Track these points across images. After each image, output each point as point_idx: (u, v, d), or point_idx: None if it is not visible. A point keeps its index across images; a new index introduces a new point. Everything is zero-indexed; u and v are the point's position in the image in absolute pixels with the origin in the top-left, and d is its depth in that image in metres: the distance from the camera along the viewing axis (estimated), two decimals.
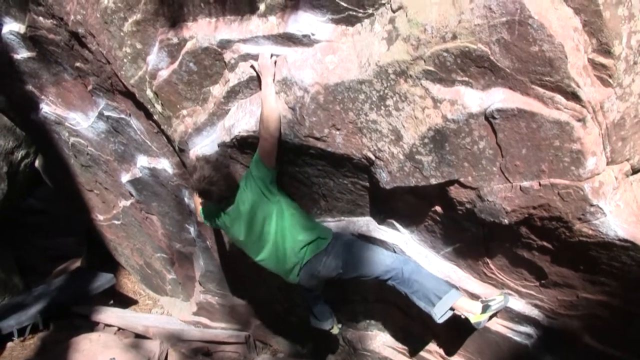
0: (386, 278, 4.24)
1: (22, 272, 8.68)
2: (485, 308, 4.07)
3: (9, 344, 6.35)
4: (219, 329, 7.32)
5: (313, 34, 3.64)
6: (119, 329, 6.97)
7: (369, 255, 4.25)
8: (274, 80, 3.83)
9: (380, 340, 5.69)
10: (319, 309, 5.10)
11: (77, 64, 5.16)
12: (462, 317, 4.18)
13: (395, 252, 4.35)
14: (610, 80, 2.89)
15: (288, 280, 4.52)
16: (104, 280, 7.82)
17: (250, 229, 4.24)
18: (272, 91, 3.82)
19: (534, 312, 4.07)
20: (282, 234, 4.19)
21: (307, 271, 4.37)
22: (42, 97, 6.03)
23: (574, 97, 2.88)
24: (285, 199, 4.20)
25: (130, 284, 8.97)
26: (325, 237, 4.28)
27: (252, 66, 3.99)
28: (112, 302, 8.01)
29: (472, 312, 4.12)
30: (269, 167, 3.98)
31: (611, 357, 3.87)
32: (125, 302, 8.41)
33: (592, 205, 3.06)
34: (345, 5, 3.47)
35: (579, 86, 2.84)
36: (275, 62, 3.83)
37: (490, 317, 4.19)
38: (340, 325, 5.27)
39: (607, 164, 3.08)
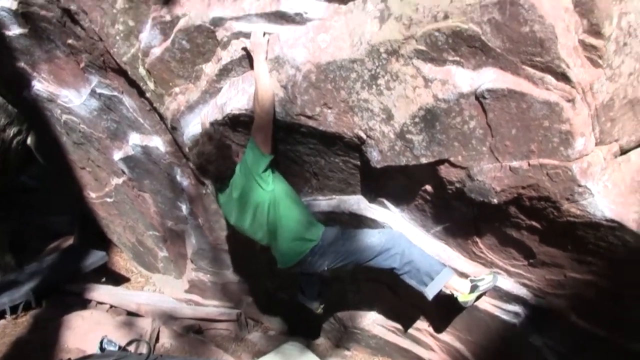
0: (378, 264, 4.26)
1: (14, 250, 8.68)
2: (473, 288, 4.11)
3: (2, 322, 6.34)
4: (211, 307, 7.34)
5: (306, 13, 3.64)
6: (111, 306, 6.97)
7: (358, 245, 4.24)
8: (266, 58, 3.82)
9: (370, 318, 5.74)
10: (309, 288, 5.14)
11: (70, 41, 5.13)
12: (450, 294, 4.22)
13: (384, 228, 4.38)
14: (600, 62, 2.90)
15: (278, 265, 4.53)
16: (96, 258, 7.80)
17: (243, 214, 4.23)
18: (266, 69, 3.81)
19: (522, 291, 4.11)
20: (274, 225, 4.17)
21: (296, 267, 4.41)
22: (34, 74, 6.00)
23: (563, 77, 2.89)
24: (282, 188, 4.15)
25: (123, 262, 8.97)
26: (314, 238, 4.23)
27: (244, 48, 3.98)
28: (104, 279, 8.00)
29: (460, 291, 4.16)
30: (264, 154, 3.94)
31: (597, 336, 3.91)
32: (118, 279, 8.42)
33: (580, 186, 3.09)
34: None
35: (569, 67, 2.86)
36: (267, 41, 3.82)
37: (478, 297, 4.24)
38: (323, 305, 5.30)
39: (596, 144, 3.10)
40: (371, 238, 4.23)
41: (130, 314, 6.83)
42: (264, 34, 3.81)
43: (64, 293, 7.13)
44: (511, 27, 2.87)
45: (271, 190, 4.04)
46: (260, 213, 4.13)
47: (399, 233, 4.27)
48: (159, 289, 8.21)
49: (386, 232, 4.29)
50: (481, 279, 4.14)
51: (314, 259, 4.27)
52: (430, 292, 4.18)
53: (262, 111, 3.84)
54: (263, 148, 3.92)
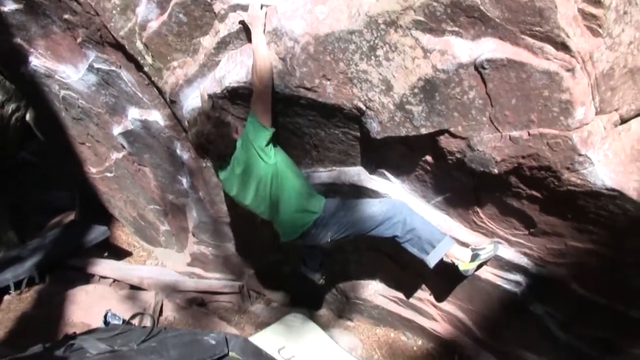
0: (380, 233, 4.27)
1: (16, 226, 8.71)
2: (474, 257, 4.13)
3: (6, 297, 6.38)
4: (213, 279, 7.38)
5: None
6: (114, 280, 7.00)
7: (359, 215, 4.25)
8: (264, 31, 3.80)
9: (372, 288, 5.77)
10: (311, 260, 5.16)
11: (66, 16, 5.10)
12: (451, 262, 4.23)
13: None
14: (600, 30, 2.88)
15: (281, 238, 4.56)
16: (98, 232, 7.81)
17: (245, 189, 4.24)
18: (264, 41, 3.79)
19: (523, 260, 4.13)
20: (277, 198, 4.18)
21: (299, 240, 4.44)
22: (31, 50, 5.97)
23: (563, 47, 2.89)
24: (283, 160, 4.15)
25: (124, 236, 8.98)
26: (316, 210, 4.25)
27: (241, 21, 3.95)
28: (106, 254, 8.01)
29: (461, 260, 4.18)
30: (266, 126, 3.93)
31: (597, 304, 3.94)
32: (120, 254, 8.43)
33: (580, 155, 3.09)
34: None
35: (568, 36, 2.85)
36: (265, 13, 3.80)
37: (479, 266, 4.26)
38: (325, 276, 5.33)
39: (596, 114, 3.09)
40: (372, 207, 4.24)
41: (133, 287, 6.87)
42: (262, 6, 3.78)
43: (67, 268, 7.16)
44: None
45: (273, 163, 4.04)
46: (263, 186, 4.13)
47: (400, 201, 4.27)
48: (161, 262, 8.23)
49: (387, 201, 4.30)
50: (482, 248, 4.15)
51: (317, 231, 4.28)
52: (431, 260, 4.20)
53: (261, 84, 3.82)
54: (264, 121, 3.91)
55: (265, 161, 4.00)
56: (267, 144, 3.97)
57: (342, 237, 4.33)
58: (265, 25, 3.78)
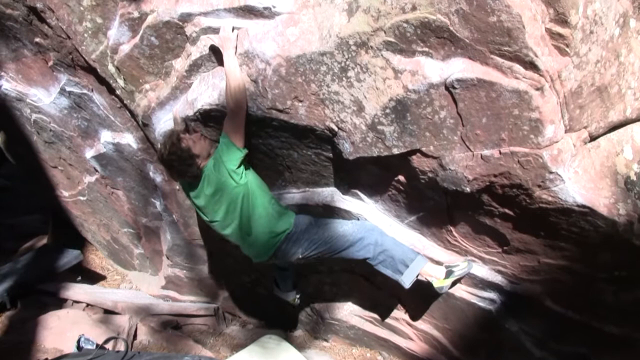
0: (351, 255, 4.27)
1: None
2: (448, 273, 4.14)
3: None
4: (188, 302, 7.33)
5: (274, 6, 3.62)
6: (88, 305, 6.92)
7: (331, 234, 4.25)
8: (236, 53, 3.81)
9: (347, 309, 5.76)
10: (283, 281, 5.15)
11: (37, 40, 5.08)
12: (425, 281, 4.24)
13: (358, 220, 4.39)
14: (568, 50, 2.93)
15: (254, 260, 4.54)
16: (71, 256, 7.74)
17: (215, 210, 4.22)
18: (236, 63, 3.78)
19: (497, 278, 4.15)
20: (248, 218, 4.17)
21: (272, 259, 4.43)
22: (2, 73, 5.93)
23: (532, 66, 2.92)
24: (253, 180, 4.14)
25: (98, 260, 8.92)
26: (287, 227, 4.25)
27: (211, 46, 3.96)
28: (79, 278, 7.93)
29: (436, 277, 4.19)
30: (239, 147, 3.92)
31: (572, 320, 3.98)
32: (94, 278, 8.36)
33: (551, 173, 3.13)
34: None
35: (536, 55, 2.88)
36: (237, 35, 3.81)
37: (454, 283, 4.27)
38: (299, 296, 5.31)
39: (566, 131, 3.14)
40: (344, 227, 4.25)
41: (107, 311, 6.78)
42: (233, 28, 3.79)
43: (39, 293, 7.06)
44: (479, 17, 2.89)
45: (244, 183, 4.03)
46: (234, 207, 4.12)
47: (371, 224, 4.29)
48: (135, 286, 8.18)
49: (359, 223, 4.31)
50: (456, 265, 4.17)
51: (288, 246, 4.27)
52: (406, 280, 4.20)
53: (235, 105, 3.81)
54: (237, 142, 3.91)
55: (237, 181, 3.99)
56: (239, 166, 3.96)
57: (313, 254, 4.31)
58: (236, 47, 3.79)
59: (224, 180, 4.00)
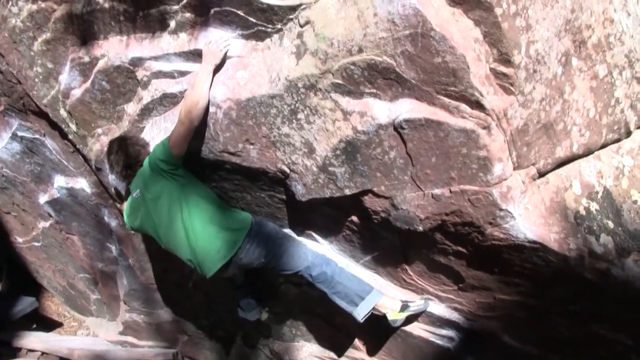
0: (308, 274, 4.19)
1: None
2: (403, 307, 4.11)
3: None
4: (146, 347, 7.22)
5: None
6: (43, 353, 6.81)
7: (292, 249, 4.18)
8: (213, 70, 3.69)
9: (307, 350, 5.70)
10: (245, 301, 5.03)
11: None
12: (380, 314, 4.20)
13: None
14: (512, 89, 2.97)
15: (202, 272, 4.20)
16: (25, 304, 7.63)
17: (159, 217, 4.03)
18: (209, 80, 3.67)
19: (454, 315, 4.14)
20: (192, 223, 3.95)
21: (231, 267, 4.15)
22: None
23: (478, 105, 2.95)
24: (195, 182, 4.03)
25: (54, 306, 8.75)
26: (241, 227, 4.06)
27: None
28: (34, 326, 7.80)
29: (391, 309, 4.14)
30: (175, 155, 3.79)
31: (530, 354, 3.98)
32: (50, 325, 8.21)
33: (501, 210, 3.14)
34: (254, 20, 3.48)
35: (482, 95, 2.91)
36: (225, 54, 3.68)
37: (409, 319, 4.25)
38: (267, 309, 5.19)
39: (514, 169, 3.16)
40: (305, 250, 4.20)
41: (62, 359, 6.67)
42: (225, 46, 3.66)
43: None
44: (424, 58, 2.92)
45: (186, 183, 3.94)
46: (176, 207, 3.94)
47: (330, 258, 4.25)
48: (92, 332, 8.04)
49: (319, 253, 4.26)
50: (412, 301, 4.15)
51: (250, 246, 4.05)
52: (360, 313, 4.13)
53: (187, 117, 3.66)
54: (174, 150, 3.77)
55: (176, 180, 3.90)
56: (178, 167, 3.88)
57: (272, 265, 4.19)
58: (216, 66, 3.69)
59: (160, 179, 3.91)
